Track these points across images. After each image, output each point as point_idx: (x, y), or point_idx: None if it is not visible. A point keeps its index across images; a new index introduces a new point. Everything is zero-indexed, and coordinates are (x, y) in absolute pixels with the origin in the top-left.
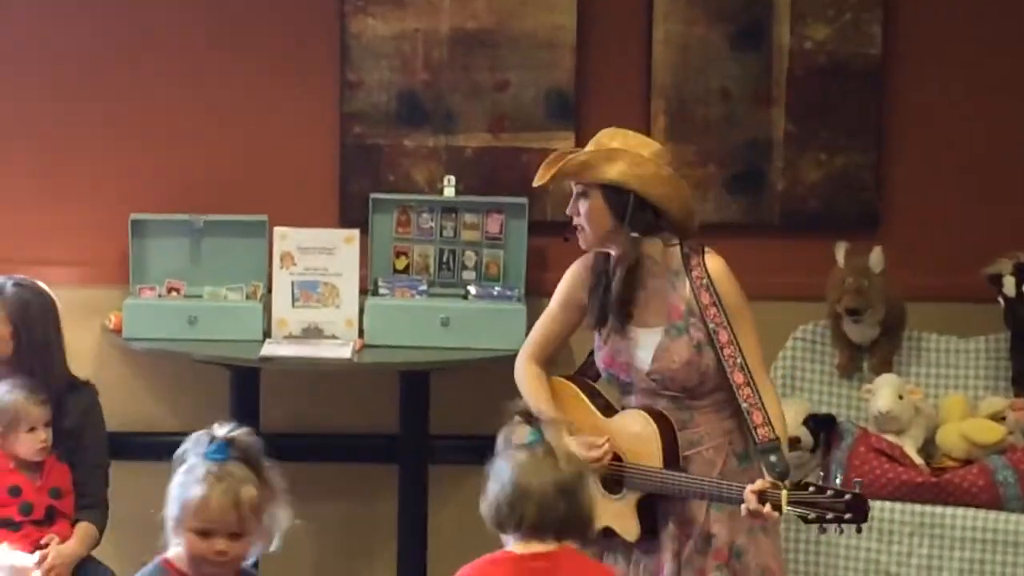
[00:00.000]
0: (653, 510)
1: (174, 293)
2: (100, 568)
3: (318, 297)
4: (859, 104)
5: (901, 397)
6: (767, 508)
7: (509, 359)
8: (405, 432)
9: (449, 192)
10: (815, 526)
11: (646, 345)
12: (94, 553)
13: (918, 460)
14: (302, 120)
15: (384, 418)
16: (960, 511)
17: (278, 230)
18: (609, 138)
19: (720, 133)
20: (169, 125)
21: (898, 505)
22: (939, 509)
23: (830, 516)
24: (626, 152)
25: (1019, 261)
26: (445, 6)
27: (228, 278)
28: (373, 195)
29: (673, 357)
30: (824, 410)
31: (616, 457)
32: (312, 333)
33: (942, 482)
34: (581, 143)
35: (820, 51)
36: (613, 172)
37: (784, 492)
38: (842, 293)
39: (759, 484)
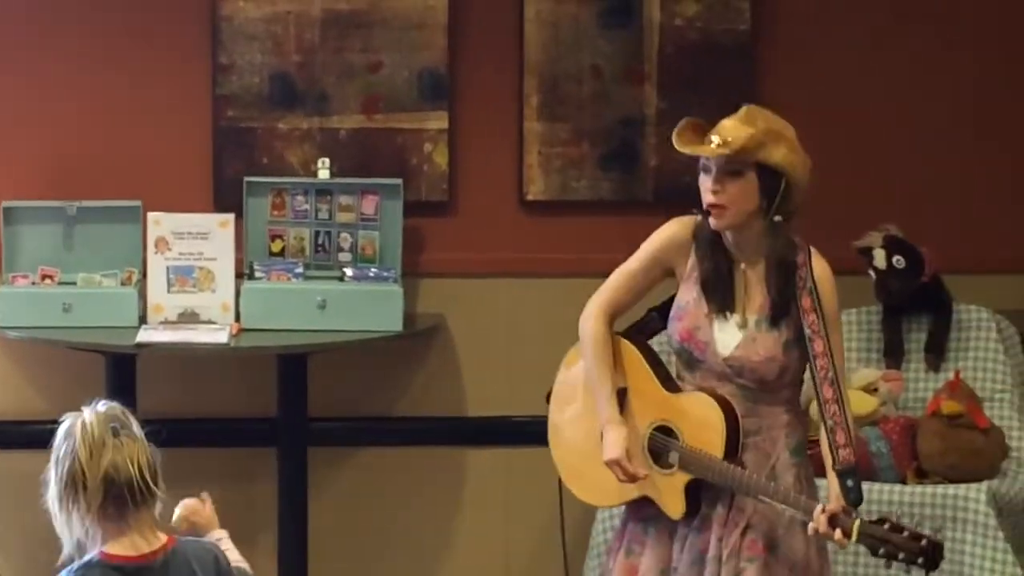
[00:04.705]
0: (699, 491)
1: (48, 280)
2: None
3: (193, 282)
4: (730, 80)
5: None
6: (838, 534)
7: (387, 340)
8: (283, 415)
9: (323, 174)
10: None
11: (731, 331)
12: None
13: None
14: (174, 104)
15: (262, 401)
16: None
17: (152, 215)
18: (758, 116)
19: (593, 111)
20: (39, 111)
21: None
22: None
23: (901, 556)
24: (786, 137)
25: (889, 234)
26: None
27: (102, 264)
28: (247, 178)
29: (759, 350)
30: None
31: (670, 431)
32: (188, 318)
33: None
34: (455, 124)
35: (690, 27)
36: (778, 155)
37: (857, 522)
38: None
39: (832, 506)
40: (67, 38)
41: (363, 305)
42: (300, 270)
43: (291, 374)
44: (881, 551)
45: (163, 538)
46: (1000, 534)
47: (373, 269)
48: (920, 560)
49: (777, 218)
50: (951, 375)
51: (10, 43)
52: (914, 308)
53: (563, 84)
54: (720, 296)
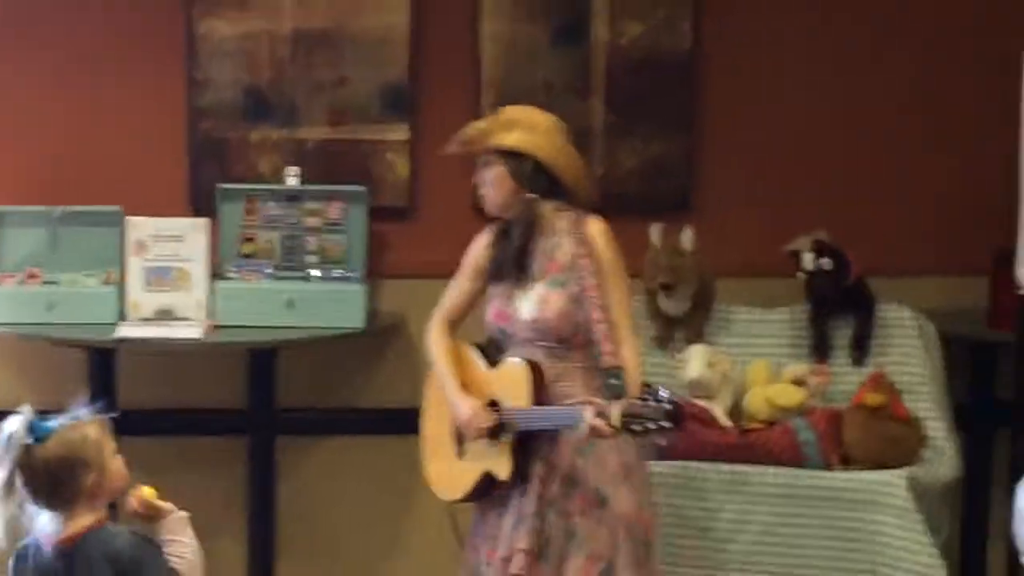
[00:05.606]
0: (527, 454)
1: (33, 280)
2: None
3: (170, 282)
4: (671, 96)
5: (711, 365)
6: (603, 422)
7: (350, 337)
8: (253, 406)
9: (292, 182)
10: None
11: (528, 296)
12: None
13: (727, 423)
14: (153, 115)
15: (234, 394)
16: (766, 469)
17: (131, 219)
18: (498, 112)
19: None
20: (26, 122)
21: (708, 465)
22: (746, 468)
23: (652, 425)
24: (521, 121)
25: (817, 238)
26: (287, 7)
27: (85, 265)
28: (221, 185)
29: (551, 306)
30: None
31: (495, 405)
32: (165, 315)
33: (749, 443)
34: (416, 135)
35: (635, 47)
36: (510, 139)
37: (618, 409)
38: (657, 270)
39: (598, 401)
40: (48, 52)
41: (328, 304)
42: (270, 271)
43: (261, 368)
44: (637, 427)
45: (81, 526)
46: (919, 517)
47: (338, 270)
48: (667, 424)
49: (530, 195)
50: (874, 370)
51: None
52: (840, 307)
53: (518, 98)
54: (495, 267)
